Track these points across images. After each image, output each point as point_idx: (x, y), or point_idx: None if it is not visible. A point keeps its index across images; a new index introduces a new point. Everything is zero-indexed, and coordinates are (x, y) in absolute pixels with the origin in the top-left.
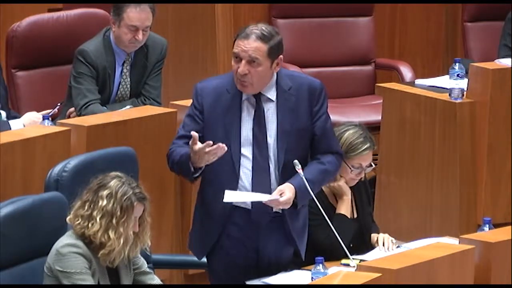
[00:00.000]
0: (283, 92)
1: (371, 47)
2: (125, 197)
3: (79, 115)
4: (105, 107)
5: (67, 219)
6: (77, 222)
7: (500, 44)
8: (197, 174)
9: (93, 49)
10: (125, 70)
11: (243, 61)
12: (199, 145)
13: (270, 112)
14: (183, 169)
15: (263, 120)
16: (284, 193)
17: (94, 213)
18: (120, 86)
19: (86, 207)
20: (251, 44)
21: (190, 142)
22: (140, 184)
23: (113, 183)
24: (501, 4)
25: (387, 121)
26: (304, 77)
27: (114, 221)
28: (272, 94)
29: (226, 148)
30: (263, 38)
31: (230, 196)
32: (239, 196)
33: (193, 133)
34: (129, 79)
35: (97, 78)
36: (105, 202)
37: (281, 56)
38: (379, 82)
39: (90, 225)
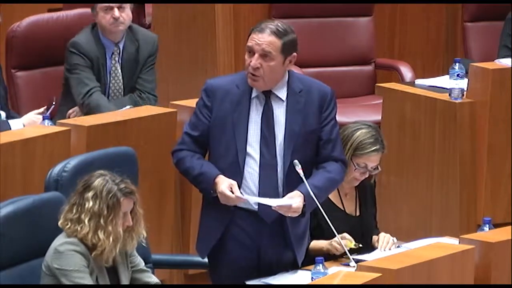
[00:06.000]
0: (293, 93)
1: (371, 47)
2: (110, 194)
3: (83, 104)
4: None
5: (59, 223)
6: (67, 227)
7: (500, 45)
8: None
9: (85, 40)
10: (113, 62)
11: (256, 55)
12: (230, 193)
13: (279, 112)
14: (200, 188)
15: (272, 119)
16: (295, 201)
17: (82, 216)
18: (111, 78)
19: (74, 211)
20: (265, 38)
21: (226, 187)
22: (126, 179)
23: (96, 182)
24: (501, 4)
25: (387, 121)
26: (315, 82)
27: (102, 221)
28: (282, 94)
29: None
30: (277, 33)
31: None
32: (249, 197)
33: (233, 185)
34: (119, 72)
35: (92, 68)
36: (91, 203)
37: (294, 54)
38: (379, 82)
39: (79, 228)
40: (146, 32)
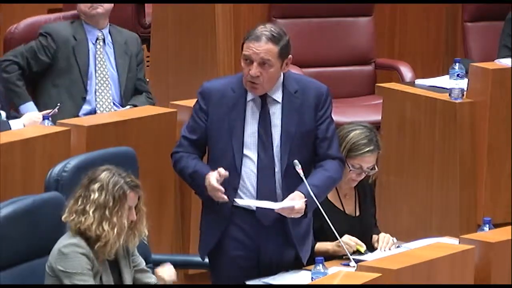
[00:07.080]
0: (289, 94)
1: (371, 47)
2: (117, 187)
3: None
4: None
5: (63, 217)
6: (72, 218)
7: (500, 45)
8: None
9: (56, 25)
10: (98, 46)
11: (255, 64)
12: (214, 183)
13: (275, 114)
14: (195, 185)
15: (268, 121)
16: (297, 202)
17: (87, 207)
18: (97, 62)
19: (79, 202)
20: (262, 47)
21: (214, 178)
22: (130, 174)
23: (103, 175)
24: (501, 4)
25: (387, 121)
26: (311, 81)
27: (107, 212)
28: (278, 96)
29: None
30: (273, 39)
31: (241, 200)
32: (250, 201)
33: (222, 172)
34: (112, 57)
35: (57, 50)
36: (97, 195)
37: (290, 56)
38: (379, 82)
39: (83, 219)
40: (128, 31)
